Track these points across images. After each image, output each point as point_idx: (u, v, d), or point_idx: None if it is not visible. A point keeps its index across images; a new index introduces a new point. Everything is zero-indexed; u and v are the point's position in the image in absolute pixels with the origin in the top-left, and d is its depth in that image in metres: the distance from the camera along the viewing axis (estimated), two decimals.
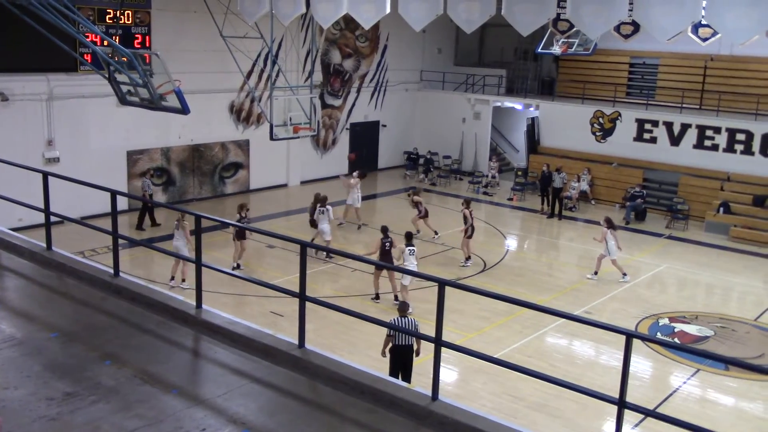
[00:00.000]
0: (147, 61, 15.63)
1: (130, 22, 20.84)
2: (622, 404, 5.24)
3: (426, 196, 26.26)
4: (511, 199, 26.37)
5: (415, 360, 10.60)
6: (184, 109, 14.02)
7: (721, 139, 24.28)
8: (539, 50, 25.27)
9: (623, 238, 21.07)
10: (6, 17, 15.21)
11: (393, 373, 10.24)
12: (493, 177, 28.15)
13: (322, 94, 26.90)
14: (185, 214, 15.16)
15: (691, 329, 15.09)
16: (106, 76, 15.22)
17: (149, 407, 5.75)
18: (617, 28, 17.43)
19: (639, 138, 26.05)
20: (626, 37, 18.24)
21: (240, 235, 16.75)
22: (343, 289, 16.47)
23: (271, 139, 19.00)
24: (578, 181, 25.54)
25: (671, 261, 19.74)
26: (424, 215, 20.18)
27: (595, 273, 17.77)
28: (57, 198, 9.53)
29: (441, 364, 6.05)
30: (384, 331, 10.54)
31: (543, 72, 31.96)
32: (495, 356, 7.59)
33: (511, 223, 24.15)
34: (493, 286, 16.48)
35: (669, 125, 25.30)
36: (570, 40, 23.05)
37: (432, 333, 6.10)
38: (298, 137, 20.42)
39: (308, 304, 6.78)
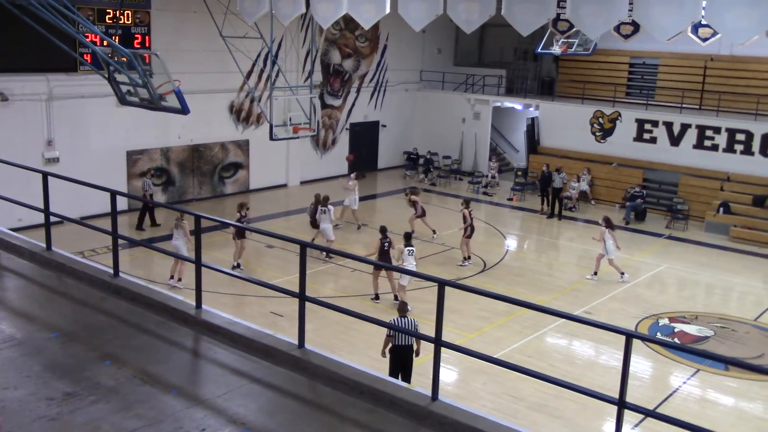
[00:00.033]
0: (147, 61, 15.63)
1: (129, 22, 20.84)
2: (621, 404, 5.24)
3: (426, 196, 26.28)
4: (510, 199, 26.37)
5: (415, 360, 10.60)
6: (183, 109, 14.02)
7: (721, 139, 24.29)
8: (539, 50, 25.28)
9: (623, 238, 21.09)
10: (6, 17, 15.21)
11: (393, 373, 10.24)
12: (493, 177, 28.15)
13: (321, 94, 26.90)
14: (184, 213, 15.16)
15: (691, 329, 15.09)
16: (106, 76, 15.23)
17: (149, 407, 5.75)
18: (617, 28, 17.43)
19: (639, 138, 26.06)
20: (626, 37, 18.25)
21: (240, 234, 16.77)
22: (342, 290, 16.47)
23: (271, 139, 19.00)
24: (578, 181, 25.54)
25: (671, 261, 19.74)
26: (422, 214, 20.19)
27: (595, 273, 17.77)
28: (57, 198, 9.52)
29: (441, 364, 6.05)
30: (384, 331, 10.54)
31: (543, 72, 31.97)
32: (495, 356, 7.59)
33: (511, 223, 24.15)
34: (493, 286, 16.48)
35: (669, 125, 25.30)
36: (570, 40, 23.05)
37: (432, 333, 6.10)
38: (298, 137, 20.42)
39: (308, 305, 6.78)
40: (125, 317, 7.50)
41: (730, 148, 24.14)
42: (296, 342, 6.72)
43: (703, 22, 14.77)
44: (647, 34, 14.50)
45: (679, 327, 15.22)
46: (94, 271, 8.57)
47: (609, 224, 17.61)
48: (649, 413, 5.70)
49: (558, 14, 16.45)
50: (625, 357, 5.21)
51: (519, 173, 28.19)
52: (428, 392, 5.97)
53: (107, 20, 20.28)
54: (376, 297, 15.58)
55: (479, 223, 20.82)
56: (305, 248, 6.69)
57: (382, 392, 6.04)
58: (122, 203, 20.80)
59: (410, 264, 14.75)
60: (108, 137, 21.08)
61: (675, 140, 25.19)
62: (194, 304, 7.50)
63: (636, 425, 10.77)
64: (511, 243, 21.61)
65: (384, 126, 30.46)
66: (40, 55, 18.68)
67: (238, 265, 17.07)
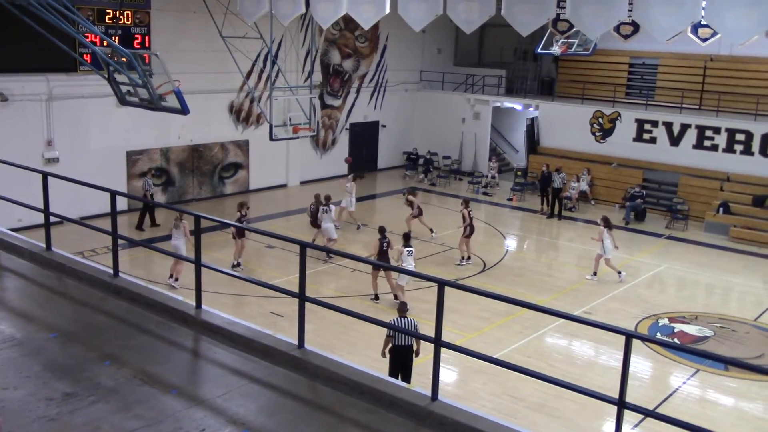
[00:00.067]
0: (146, 61, 15.63)
1: (129, 22, 20.83)
2: (621, 404, 5.24)
3: (426, 196, 26.29)
4: (510, 200, 26.37)
5: (415, 360, 10.60)
6: (183, 110, 14.02)
7: (721, 140, 24.29)
8: (539, 50, 25.29)
9: (623, 238, 21.10)
10: (6, 17, 15.20)
11: (393, 373, 10.24)
12: (493, 177, 28.15)
13: (321, 94, 26.89)
14: (183, 213, 15.17)
15: (691, 329, 15.09)
16: (106, 76, 15.23)
17: (149, 407, 5.75)
18: (617, 29, 17.44)
19: (638, 138, 26.06)
20: (626, 37, 18.26)
21: (240, 233, 16.80)
22: (342, 290, 16.47)
23: (271, 139, 18.99)
24: (578, 181, 25.53)
25: (671, 261, 19.74)
26: (418, 214, 20.20)
27: (594, 273, 17.78)
28: (56, 198, 9.52)
29: (440, 364, 6.05)
30: (383, 331, 10.55)
31: (542, 72, 31.97)
32: (494, 356, 7.59)
33: (511, 223, 24.15)
34: (493, 286, 16.49)
35: (668, 125, 25.31)
36: (569, 40, 23.06)
37: (431, 333, 6.10)
38: (298, 137, 20.41)
39: (308, 305, 6.79)
40: (125, 317, 7.50)
41: (729, 149, 24.14)
42: (296, 342, 6.72)
43: (703, 22, 14.78)
44: (647, 34, 14.50)
45: (678, 327, 15.22)
46: (93, 271, 8.57)
47: (607, 224, 17.61)
48: (648, 413, 5.70)
49: (558, 14, 16.45)
50: (624, 357, 5.21)
51: (519, 173, 28.19)
52: (428, 392, 5.97)
53: (107, 20, 20.28)
54: (376, 297, 15.58)
55: (479, 223, 20.82)
56: (305, 248, 6.69)
57: (382, 392, 6.04)
58: (122, 203, 20.80)
59: (409, 264, 14.76)
60: (108, 137, 21.08)
61: (675, 140, 25.20)
62: (194, 304, 7.50)
63: (636, 425, 10.77)
64: (511, 243, 21.62)
65: (384, 126, 30.46)
66: (40, 56, 18.68)
67: (238, 264, 17.09)
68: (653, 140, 25.67)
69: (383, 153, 30.77)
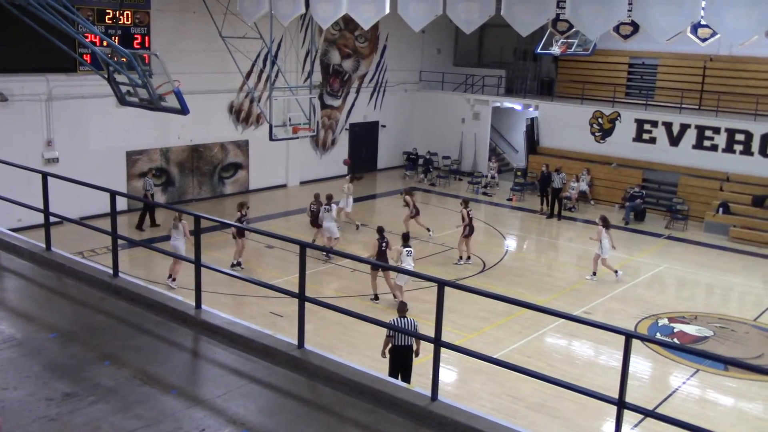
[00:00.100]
0: (146, 61, 15.64)
1: (129, 22, 20.84)
2: (621, 404, 5.25)
3: (425, 196, 26.34)
4: (510, 200, 26.38)
5: (415, 360, 10.60)
6: (183, 110, 14.02)
7: (721, 140, 24.30)
8: (538, 50, 25.29)
9: (623, 238, 21.11)
10: (5, 17, 15.19)
11: (392, 373, 10.24)
12: (493, 177, 28.15)
13: (321, 94, 26.89)
14: (183, 213, 15.17)
15: (691, 329, 15.09)
16: (106, 76, 15.22)
17: (148, 408, 5.75)
18: (616, 29, 17.44)
19: (638, 138, 26.06)
20: (625, 37, 18.25)
21: (240, 232, 16.82)
22: (342, 290, 16.48)
23: (271, 139, 18.99)
24: (577, 181, 25.53)
25: (671, 261, 19.74)
26: (415, 214, 20.21)
27: (594, 273, 17.78)
28: (56, 198, 9.52)
29: (440, 364, 6.05)
30: (383, 331, 10.55)
31: (542, 72, 31.97)
32: (494, 356, 7.59)
33: (511, 223, 24.15)
34: (493, 286, 16.50)
35: (668, 125, 25.31)
36: (569, 40, 23.05)
37: (431, 333, 6.11)
38: (298, 138, 20.41)
39: (308, 305, 6.79)
40: (125, 317, 7.50)
41: (729, 149, 24.15)
42: (296, 342, 6.72)
43: (703, 22, 14.78)
44: (646, 34, 14.50)
45: (678, 327, 15.22)
46: (93, 271, 8.57)
47: (606, 224, 17.62)
48: (648, 413, 5.70)
49: (557, 14, 16.45)
50: (624, 357, 5.21)
51: (518, 173, 28.19)
52: (428, 392, 5.98)
53: (107, 20, 20.28)
54: (376, 297, 15.59)
55: (479, 223, 20.83)
56: (305, 249, 6.69)
57: (381, 392, 6.04)
58: (122, 203, 20.80)
59: (408, 265, 14.77)
60: (107, 137, 21.08)
61: (674, 140, 25.20)
62: (194, 304, 7.50)
63: (635, 425, 10.78)
64: (511, 243, 21.62)
65: (383, 126, 30.47)
66: (40, 56, 18.69)
67: (239, 263, 17.11)
68: (653, 140, 25.68)
69: (383, 153, 30.78)
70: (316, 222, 18.77)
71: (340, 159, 27.94)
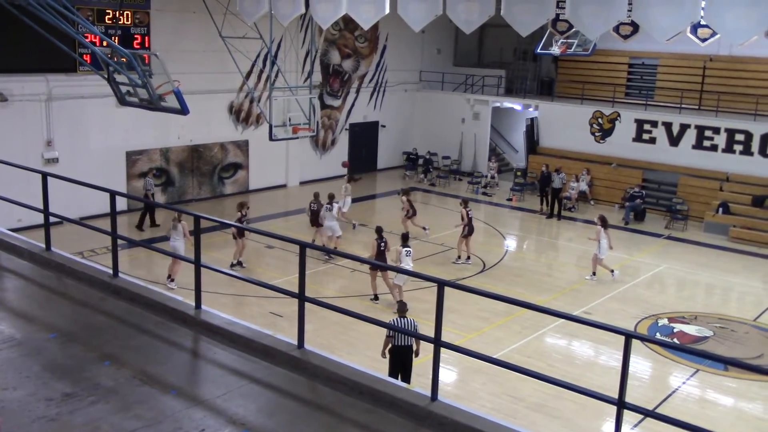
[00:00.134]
0: (146, 61, 15.64)
1: (129, 22, 20.84)
2: (621, 404, 5.25)
3: (425, 196, 26.37)
4: (510, 200, 26.38)
5: (415, 360, 10.60)
6: (183, 110, 14.02)
7: (720, 140, 24.30)
8: (538, 51, 25.30)
9: (623, 238, 21.13)
10: (5, 17, 15.19)
11: (392, 373, 10.24)
12: (493, 177, 28.15)
13: (321, 94, 26.88)
14: (182, 213, 15.17)
15: (691, 329, 15.09)
16: (106, 76, 15.22)
17: (148, 408, 5.75)
18: (616, 29, 17.44)
19: (638, 138, 26.07)
20: (625, 37, 18.25)
21: (240, 232, 16.83)
22: (342, 290, 16.48)
23: (271, 139, 18.99)
24: (577, 181, 25.53)
25: (670, 261, 19.74)
26: (412, 215, 20.22)
27: (594, 274, 17.78)
28: (56, 198, 9.52)
29: (440, 364, 6.05)
30: (383, 331, 10.55)
31: (542, 72, 31.98)
32: (494, 357, 7.59)
33: (510, 223, 24.15)
34: (493, 286, 16.50)
35: (668, 126, 25.31)
36: (569, 40, 23.06)
37: (431, 333, 6.11)
38: (298, 138, 20.41)
39: (307, 305, 6.79)
40: (124, 318, 7.50)
41: (729, 149, 24.15)
42: (296, 342, 6.72)
43: (702, 22, 14.79)
44: (646, 34, 14.50)
45: (678, 327, 15.22)
46: (93, 271, 8.57)
47: (604, 223, 17.63)
48: (648, 413, 5.70)
49: (557, 14, 16.45)
50: (624, 357, 5.21)
51: (518, 173, 28.19)
52: (428, 392, 5.98)
53: (107, 21, 20.28)
54: (375, 297, 15.59)
55: (479, 223, 20.83)
56: (305, 249, 6.69)
57: (381, 392, 6.04)
58: (121, 204, 20.80)
59: (407, 265, 14.77)
60: (107, 138, 21.08)
61: (674, 140, 25.21)
62: (193, 304, 7.50)
63: (635, 425, 10.78)
64: (511, 243, 21.62)
65: (383, 126, 30.47)
66: (40, 56, 18.68)
67: (239, 263, 17.13)
68: (653, 140, 25.68)
69: (383, 153, 30.78)
70: (316, 221, 18.78)
71: (340, 159, 27.94)
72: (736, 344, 14.46)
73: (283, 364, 6.57)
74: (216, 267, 8.06)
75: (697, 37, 19.09)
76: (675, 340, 14.63)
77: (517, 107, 30.62)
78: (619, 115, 26.47)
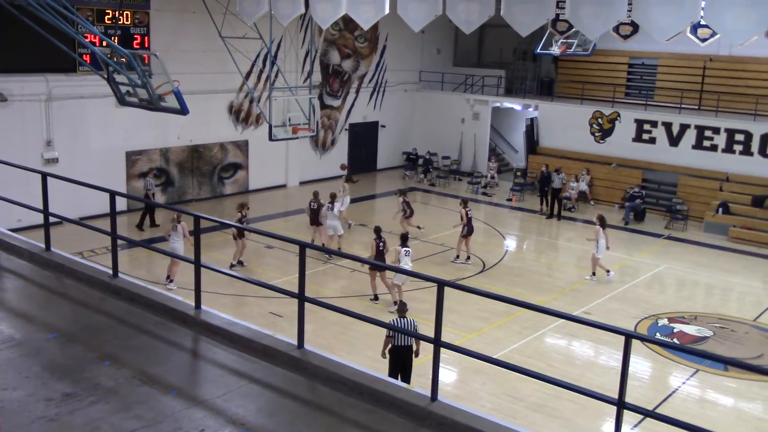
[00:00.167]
0: (146, 61, 15.63)
1: (129, 22, 20.83)
2: (621, 405, 5.25)
3: (425, 196, 26.37)
4: (510, 200, 26.38)
5: (415, 360, 10.60)
6: (183, 110, 14.02)
7: (720, 140, 24.30)
8: (538, 51, 25.31)
9: (622, 238, 21.13)
10: (5, 18, 15.19)
11: (392, 373, 10.24)
12: (492, 177, 28.15)
13: (321, 94, 26.88)
14: (181, 213, 15.16)
15: (690, 329, 15.09)
16: (105, 76, 15.22)
17: (148, 408, 5.75)
18: (616, 29, 17.43)
19: (638, 138, 26.07)
20: (625, 37, 18.25)
21: (240, 233, 16.83)
22: (342, 290, 16.48)
23: (270, 139, 18.99)
24: (577, 181, 25.53)
25: (670, 261, 19.74)
26: (409, 215, 20.22)
27: (593, 274, 17.78)
28: (56, 199, 9.52)
29: (440, 364, 6.05)
30: (383, 331, 10.54)
31: (542, 72, 31.98)
32: (494, 357, 7.60)
33: (510, 223, 24.15)
34: (492, 286, 16.50)
35: (668, 126, 25.32)
36: (569, 40, 23.06)
37: (431, 334, 6.10)
38: (297, 138, 20.42)
39: (307, 305, 6.78)
40: (124, 318, 7.49)
41: (729, 149, 24.15)
42: (295, 342, 6.72)
43: (702, 22, 14.79)
44: (646, 34, 14.51)
45: (678, 327, 15.22)
46: (93, 271, 8.56)
47: (603, 223, 17.64)
48: (648, 413, 5.70)
49: (557, 15, 16.45)
50: (624, 357, 5.21)
51: (518, 174, 28.19)
52: (427, 393, 5.97)
53: (106, 21, 20.28)
54: (375, 297, 15.59)
55: (478, 223, 20.83)
56: (304, 249, 6.69)
57: (381, 393, 6.04)
58: (121, 204, 20.80)
59: (406, 264, 14.77)
60: (107, 138, 21.07)
61: (674, 140, 25.21)
62: (193, 304, 7.50)
63: (635, 425, 10.78)
64: (511, 243, 21.62)
65: (383, 126, 30.47)
66: (39, 56, 18.68)
67: (240, 263, 17.13)
68: (652, 140, 25.68)
69: (383, 153, 30.77)
70: (316, 220, 18.77)
71: (340, 159, 27.95)
72: (736, 344, 14.45)
73: (283, 364, 6.56)
74: (216, 267, 8.06)
75: (697, 37, 19.08)
76: (675, 340, 14.63)
77: (517, 107, 30.62)
78: (618, 115, 26.47)
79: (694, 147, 24.77)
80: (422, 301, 14.83)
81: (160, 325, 7.32)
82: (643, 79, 29.06)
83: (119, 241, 8.65)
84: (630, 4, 13.47)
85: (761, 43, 15.55)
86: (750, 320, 15.80)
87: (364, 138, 29.70)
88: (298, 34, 24.95)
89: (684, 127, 25.00)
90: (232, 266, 16.88)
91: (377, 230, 15.75)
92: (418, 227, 20.35)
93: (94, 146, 20.80)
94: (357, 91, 29.09)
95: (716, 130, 24.38)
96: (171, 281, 15.48)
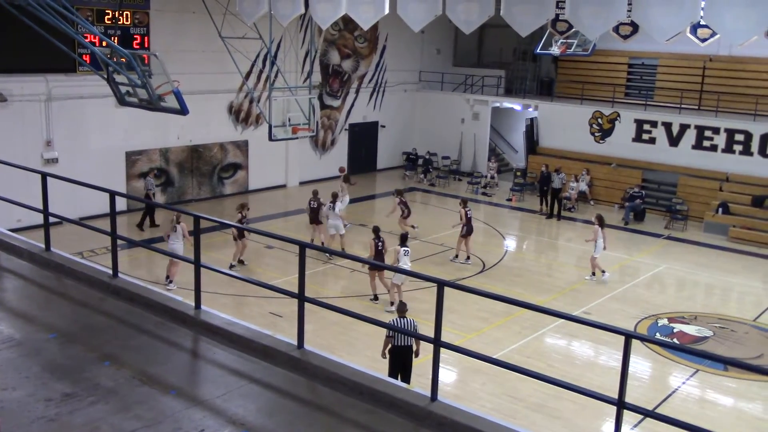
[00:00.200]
0: (146, 61, 15.62)
1: (128, 22, 20.83)
2: (621, 405, 5.25)
3: (425, 196, 26.37)
4: (510, 200, 26.38)
5: (415, 361, 10.60)
6: (182, 110, 14.02)
7: (720, 140, 24.31)
8: (538, 51, 25.31)
9: (622, 238, 21.14)
10: (5, 18, 15.20)
11: (392, 373, 10.23)
12: (492, 177, 28.15)
13: (321, 94, 26.88)
14: (181, 214, 15.15)
15: (690, 329, 15.09)
16: (105, 76, 15.22)
17: (148, 408, 5.75)
18: (616, 29, 17.43)
19: (638, 138, 26.07)
20: (625, 37, 18.24)
21: (240, 233, 16.82)
22: (342, 290, 16.48)
23: (270, 139, 18.99)
24: (577, 181, 25.53)
25: (670, 261, 19.74)
26: (407, 215, 20.22)
27: (593, 274, 17.78)
28: (56, 199, 9.52)
29: (440, 364, 6.05)
30: (383, 331, 10.54)
31: (542, 72, 31.98)
32: (494, 357, 7.60)
33: (510, 223, 24.15)
34: (492, 286, 16.50)
35: (668, 126, 25.32)
36: (569, 40, 23.06)
37: (431, 334, 6.10)
38: (297, 138, 20.42)
39: (307, 305, 6.78)
40: (124, 318, 7.49)
41: (728, 149, 24.16)
42: (295, 342, 6.72)
43: (702, 22, 14.78)
44: (646, 34, 14.51)
45: (678, 327, 15.22)
46: (93, 271, 8.56)
47: (601, 223, 17.64)
48: (648, 413, 5.70)
49: (557, 15, 16.44)
50: (624, 357, 5.21)
51: (518, 174, 28.19)
52: (427, 393, 5.97)
53: (106, 21, 20.28)
54: (375, 298, 15.59)
55: (478, 223, 20.83)
56: (304, 249, 6.69)
57: (381, 393, 6.04)
58: (121, 204, 20.79)
59: (405, 264, 14.77)
60: (107, 138, 21.07)
61: (674, 141, 25.21)
62: (193, 304, 7.50)
63: (635, 425, 10.78)
64: (510, 243, 21.62)
65: (383, 126, 30.46)
66: (39, 56, 18.67)
67: (241, 262, 17.14)
68: (652, 140, 25.68)
69: (382, 153, 30.77)
70: (315, 219, 18.78)
71: (340, 159, 27.95)
72: (735, 344, 14.46)
73: (283, 364, 6.56)
74: (216, 267, 8.06)
75: (697, 38, 19.07)
76: (675, 340, 14.63)
77: (517, 107, 30.62)
78: (618, 116, 26.47)
79: (694, 147, 24.78)
80: (422, 301, 14.83)
81: (160, 325, 7.32)
82: (642, 79, 29.07)
83: (119, 241, 8.65)
84: (630, 4, 13.47)
85: (761, 43, 15.55)
86: (750, 320, 15.80)
87: (363, 138, 29.70)
88: (298, 34, 24.95)
89: (684, 127, 25.01)
90: (231, 267, 16.88)
91: (375, 230, 15.75)
92: (412, 226, 20.34)
93: (93, 146, 20.79)
94: (357, 91, 29.09)
95: (716, 130, 24.39)
96: (170, 281, 15.48)
